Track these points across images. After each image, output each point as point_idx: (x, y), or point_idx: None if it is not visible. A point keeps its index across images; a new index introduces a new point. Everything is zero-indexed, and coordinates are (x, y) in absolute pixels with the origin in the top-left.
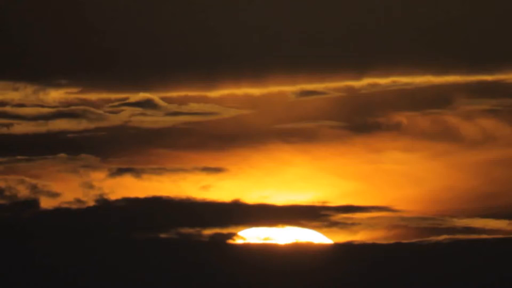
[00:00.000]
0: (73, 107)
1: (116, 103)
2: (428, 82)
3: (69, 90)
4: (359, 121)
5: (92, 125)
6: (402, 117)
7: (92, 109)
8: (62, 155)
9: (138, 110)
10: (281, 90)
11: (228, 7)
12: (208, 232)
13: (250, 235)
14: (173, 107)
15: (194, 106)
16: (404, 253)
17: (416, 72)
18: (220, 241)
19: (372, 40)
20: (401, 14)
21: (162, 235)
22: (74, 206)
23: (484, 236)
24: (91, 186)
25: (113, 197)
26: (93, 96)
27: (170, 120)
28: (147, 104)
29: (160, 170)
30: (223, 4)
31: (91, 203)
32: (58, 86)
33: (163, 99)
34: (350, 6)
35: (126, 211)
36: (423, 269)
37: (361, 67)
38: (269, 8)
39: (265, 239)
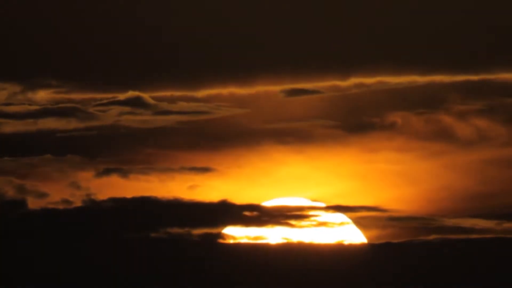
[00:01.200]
0: (61, 106)
1: (105, 101)
2: (416, 82)
3: (58, 89)
4: (353, 121)
5: (81, 125)
6: (396, 117)
7: (80, 108)
8: (50, 155)
9: (127, 109)
10: (268, 89)
11: (214, 8)
12: (197, 231)
13: (240, 235)
14: (163, 106)
15: (183, 105)
16: (395, 253)
17: (401, 72)
18: (211, 240)
19: (358, 40)
20: (387, 14)
21: (152, 235)
22: (61, 207)
23: (474, 236)
24: (78, 186)
25: (100, 197)
26: (81, 95)
27: (159, 120)
28: (136, 103)
29: (148, 170)
30: (208, 4)
31: (79, 204)
32: (47, 86)
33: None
34: (336, 6)
35: (114, 211)
36: (414, 269)
37: (347, 67)
38: (254, 7)
39: (255, 238)
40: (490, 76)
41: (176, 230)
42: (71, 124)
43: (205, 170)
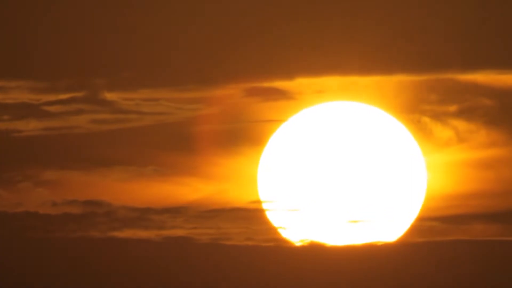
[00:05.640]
0: (17, 105)
1: (61, 99)
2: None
3: (14, 89)
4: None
5: (37, 125)
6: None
7: (36, 108)
8: (1, 156)
9: (85, 107)
10: (226, 90)
11: (161, 12)
12: (161, 233)
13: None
14: (123, 106)
15: (143, 105)
16: (354, 255)
17: (343, 72)
18: (174, 242)
19: (304, 40)
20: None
21: (111, 236)
22: (12, 210)
23: (437, 238)
24: (31, 189)
25: (54, 199)
26: (38, 96)
27: (117, 119)
28: (95, 102)
29: (105, 171)
30: (156, 8)
31: (30, 208)
32: (2, 86)
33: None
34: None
35: (67, 214)
36: (373, 272)
37: (290, 67)
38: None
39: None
40: (468, 77)
41: (139, 232)
42: (29, 124)
43: (165, 172)
